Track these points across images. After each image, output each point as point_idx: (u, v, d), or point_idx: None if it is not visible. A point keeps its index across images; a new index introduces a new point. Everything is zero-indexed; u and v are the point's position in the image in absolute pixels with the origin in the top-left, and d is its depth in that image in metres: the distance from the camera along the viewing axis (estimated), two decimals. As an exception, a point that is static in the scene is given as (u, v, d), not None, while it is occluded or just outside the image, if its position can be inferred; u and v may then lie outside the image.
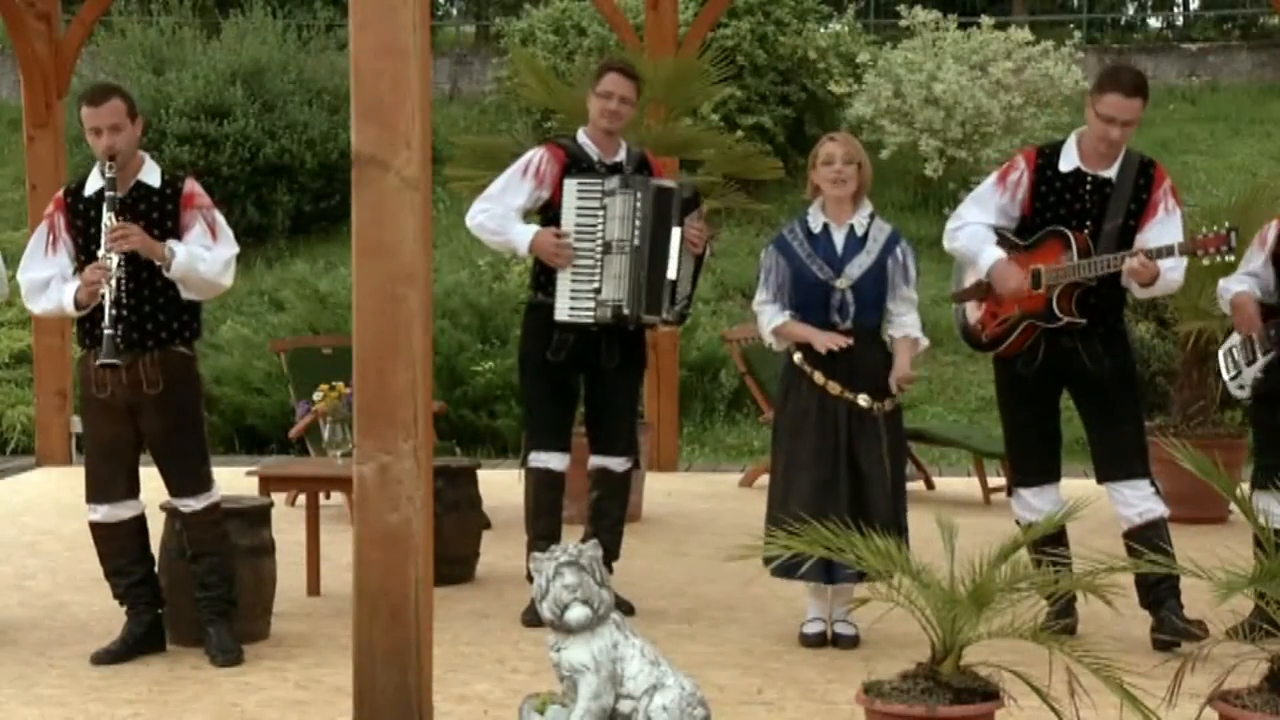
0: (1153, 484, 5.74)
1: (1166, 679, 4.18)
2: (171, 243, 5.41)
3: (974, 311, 5.94)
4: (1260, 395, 5.77)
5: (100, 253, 5.36)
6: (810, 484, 5.60)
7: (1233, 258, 5.66)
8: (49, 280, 5.49)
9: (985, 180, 5.97)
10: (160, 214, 5.47)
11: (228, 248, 5.53)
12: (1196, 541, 6.13)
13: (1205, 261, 5.62)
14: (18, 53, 10.33)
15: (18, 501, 9.18)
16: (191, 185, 5.58)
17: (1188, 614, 5.59)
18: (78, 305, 5.41)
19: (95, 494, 5.59)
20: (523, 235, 6.13)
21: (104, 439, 5.57)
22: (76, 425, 10.55)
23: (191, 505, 5.59)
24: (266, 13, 18.18)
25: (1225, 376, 5.89)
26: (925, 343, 5.81)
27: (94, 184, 5.49)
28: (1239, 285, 5.81)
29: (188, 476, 5.59)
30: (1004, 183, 5.80)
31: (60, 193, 5.67)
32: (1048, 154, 5.77)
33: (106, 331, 5.30)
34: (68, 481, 9.76)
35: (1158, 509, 5.71)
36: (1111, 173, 5.67)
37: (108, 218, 5.35)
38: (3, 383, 12.68)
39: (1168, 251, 5.52)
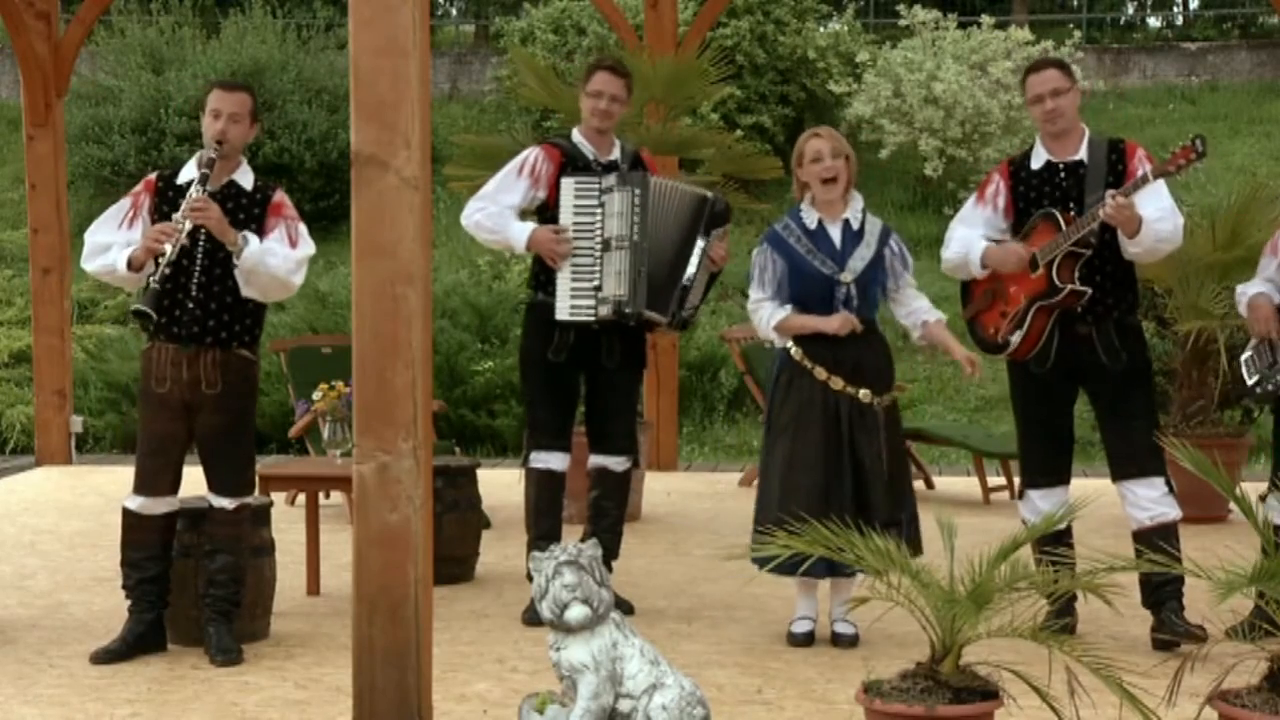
0: (1168, 482, 5.71)
1: (1166, 679, 4.18)
2: (246, 233, 5.45)
3: (986, 322, 5.93)
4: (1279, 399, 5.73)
5: (176, 216, 5.39)
6: (815, 484, 5.57)
7: (1202, 164, 5.70)
8: (111, 245, 5.51)
9: (966, 201, 6.05)
10: (246, 215, 5.52)
11: (304, 249, 5.57)
12: (1196, 541, 6.14)
13: (1180, 176, 5.66)
14: (17, 52, 10.33)
15: (17, 501, 9.17)
16: (281, 196, 5.64)
17: (1188, 615, 5.59)
18: (130, 265, 5.42)
19: (139, 485, 5.62)
20: (520, 233, 6.12)
21: (156, 434, 5.59)
22: (76, 425, 10.57)
23: (224, 504, 5.62)
24: (266, 12, 18.17)
25: (1248, 382, 5.83)
26: (944, 317, 5.92)
27: (187, 175, 5.53)
28: (1256, 288, 5.81)
29: (232, 478, 5.63)
30: (983, 196, 5.92)
31: (153, 175, 5.71)
32: (1019, 160, 5.92)
33: (154, 286, 5.31)
34: (67, 481, 9.78)
35: (1171, 512, 5.69)
36: (1080, 155, 5.77)
37: (195, 189, 5.39)
38: (3, 382, 12.67)
39: (1142, 181, 5.54)
